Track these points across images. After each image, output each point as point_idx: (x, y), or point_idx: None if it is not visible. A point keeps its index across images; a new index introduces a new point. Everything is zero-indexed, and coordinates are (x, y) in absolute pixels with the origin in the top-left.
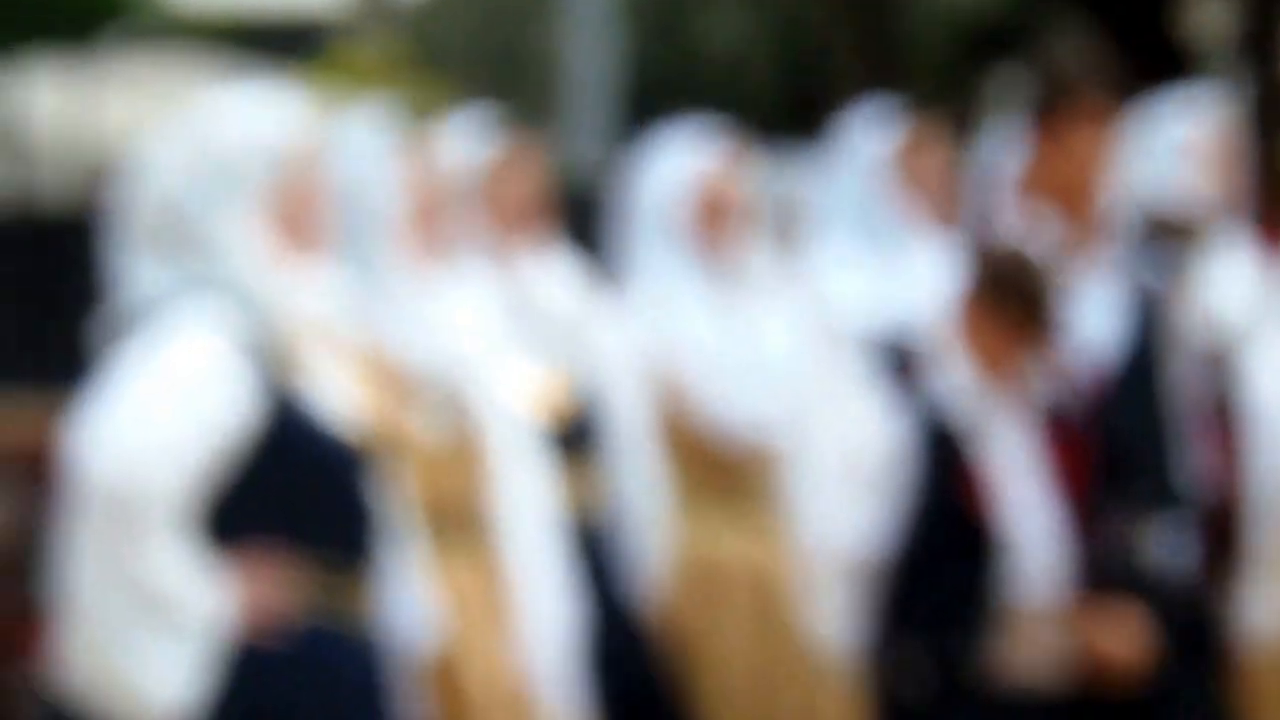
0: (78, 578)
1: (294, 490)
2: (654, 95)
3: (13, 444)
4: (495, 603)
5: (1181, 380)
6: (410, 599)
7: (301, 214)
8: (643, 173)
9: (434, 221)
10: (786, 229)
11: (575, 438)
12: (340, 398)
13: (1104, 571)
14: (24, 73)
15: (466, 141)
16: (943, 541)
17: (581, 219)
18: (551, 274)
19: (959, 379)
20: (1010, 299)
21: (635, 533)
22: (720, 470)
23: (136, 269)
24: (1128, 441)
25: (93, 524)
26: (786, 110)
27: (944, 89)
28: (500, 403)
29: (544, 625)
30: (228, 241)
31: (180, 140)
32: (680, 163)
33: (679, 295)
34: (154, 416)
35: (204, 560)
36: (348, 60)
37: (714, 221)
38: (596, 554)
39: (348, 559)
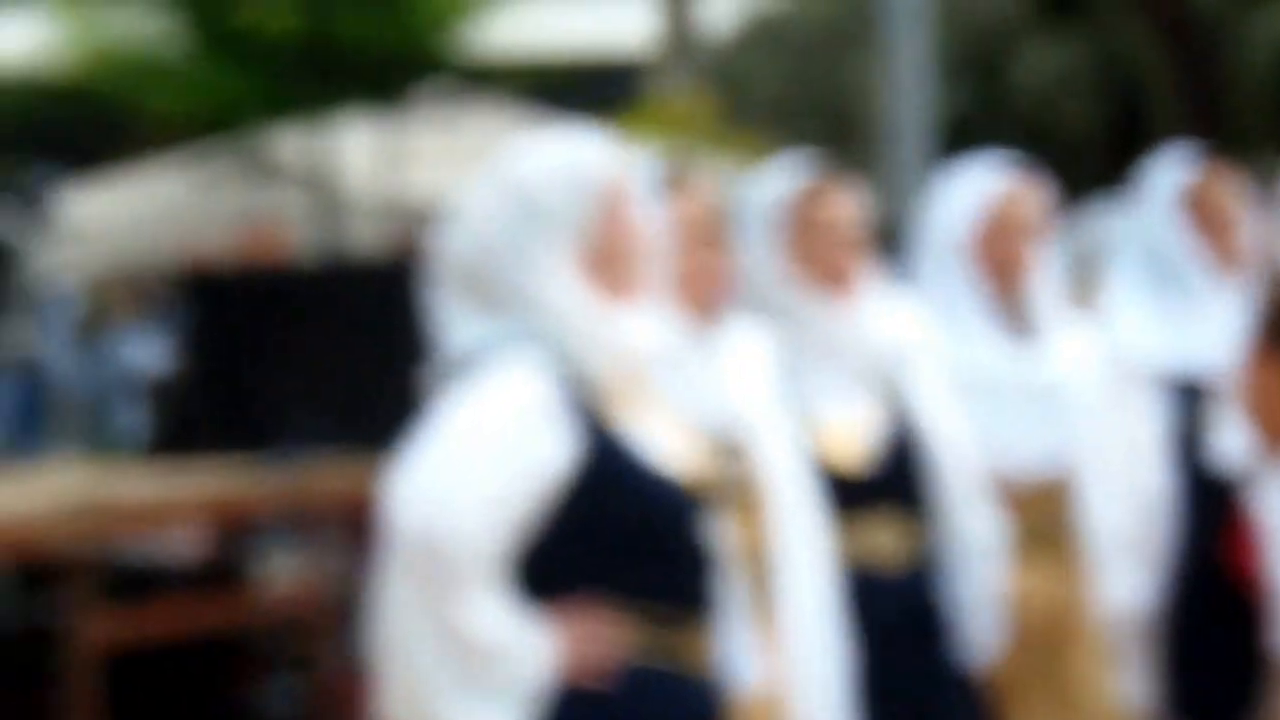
0: (393, 630)
1: (622, 535)
2: (968, 139)
3: (334, 498)
4: (775, 658)
5: None
6: (738, 646)
7: (619, 257)
8: (936, 200)
9: (707, 274)
10: (1089, 270)
11: (897, 477)
12: (665, 442)
13: None
14: (336, 124)
15: (779, 176)
16: (1212, 600)
17: (896, 262)
18: (874, 307)
19: (1238, 433)
20: None
21: (961, 575)
22: (1005, 505)
23: (455, 317)
24: None
25: (407, 575)
26: (1104, 152)
27: (1269, 128)
28: (779, 461)
29: (819, 681)
30: (544, 285)
31: (493, 185)
32: (971, 187)
33: (964, 321)
34: (468, 463)
35: (523, 610)
36: (658, 112)
37: (1002, 244)
38: (924, 599)
39: (681, 606)
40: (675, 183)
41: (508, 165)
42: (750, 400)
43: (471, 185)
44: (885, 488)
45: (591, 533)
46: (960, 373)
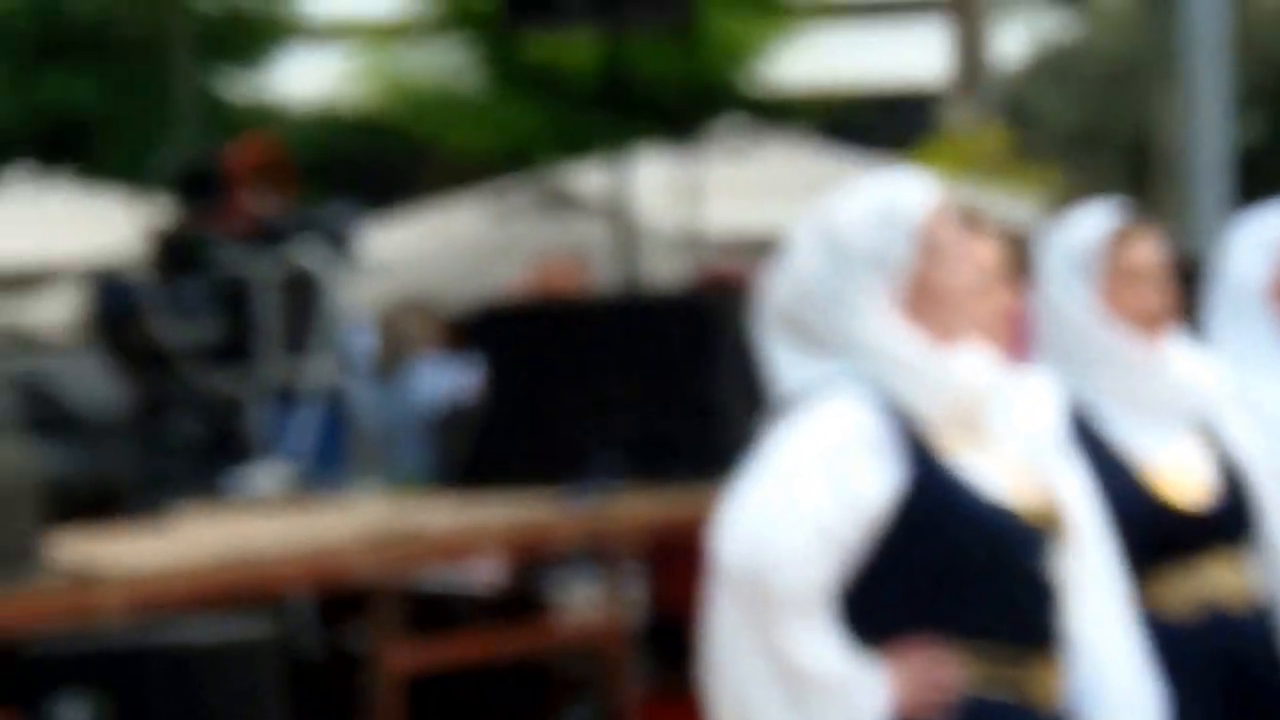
0: (723, 659)
1: (959, 569)
2: (1261, 171)
3: (632, 529)
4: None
5: None
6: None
7: (938, 295)
8: (1230, 244)
9: (1002, 316)
10: None
11: (1233, 517)
12: (999, 476)
13: None
14: (632, 158)
15: (1088, 218)
16: None
17: (1197, 300)
18: (1180, 350)
19: None
20: None
21: None
22: None
23: (782, 359)
24: None
25: (735, 604)
26: None
27: None
28: (1076, 504)
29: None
30: (865, 326)
31: (811, 227)
32: (1266, 230)
33: (1263, 368)
34: (793, 493)
35: (852, 643)
36: (950, 145)
37: None
38: (1269, 638)
39: (1023, 640)
40: (968, 223)
41: (825, 206)
42: (1044, 443)
43: (782, 224)
44: (1224, 526)
45: (926, 567)
46: (1261, 421)
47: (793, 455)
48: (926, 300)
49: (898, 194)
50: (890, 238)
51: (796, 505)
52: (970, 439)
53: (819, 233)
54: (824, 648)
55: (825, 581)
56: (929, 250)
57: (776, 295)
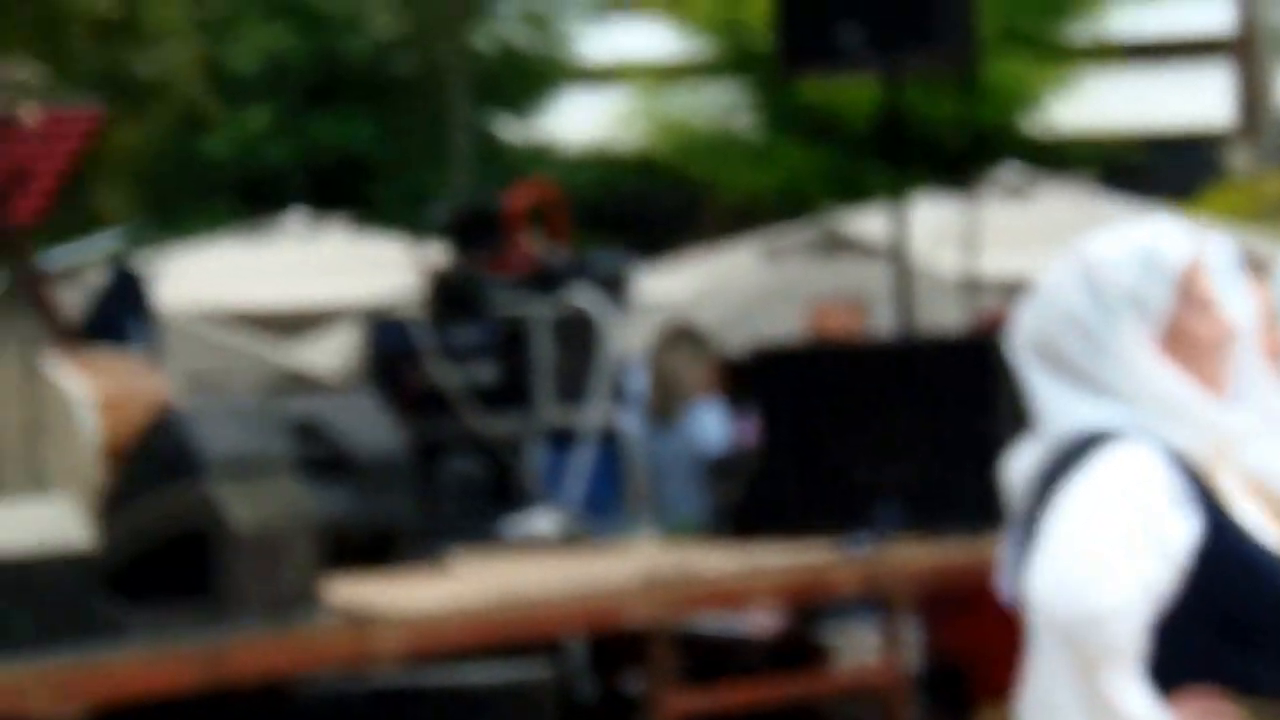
0: (1040, 706)
1: (1239, 620)
2: None
3: (910, 574)
4: None
5: None
6: None
7: (1197, 341)
8: None
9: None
10: None
11: None
12: (1266, 524)
13: None
14: (909, 201)
15: None
16: None
17: None
18: None
19: None
20: None
21: None
22: None
23: (1049, 399)
24: None
25: (1060, 654)
26: None
27: None
28: None
29: None
30: (1127, 369)
31: (1069, 267)
32: None
33: None
34: (1113, 541)
35: (1155, 696)
36: (1233, 190)
37: None
38: None
39: None
40: (1253, 267)
41: (1084, 247)
42: None
43: (1050, 266)
44: None
45: (1210, 618)
46: None
47: (1106, 503)
48: (1181, 348)
49: (1162, 240)
50: (1152, 282)
51: (1120, 555)
52: (1237, 485)
53: (1080, 270)
54: (1141, 698)
55: (1142, 632)
56: (1188, 299)
57: (1031, 324)
